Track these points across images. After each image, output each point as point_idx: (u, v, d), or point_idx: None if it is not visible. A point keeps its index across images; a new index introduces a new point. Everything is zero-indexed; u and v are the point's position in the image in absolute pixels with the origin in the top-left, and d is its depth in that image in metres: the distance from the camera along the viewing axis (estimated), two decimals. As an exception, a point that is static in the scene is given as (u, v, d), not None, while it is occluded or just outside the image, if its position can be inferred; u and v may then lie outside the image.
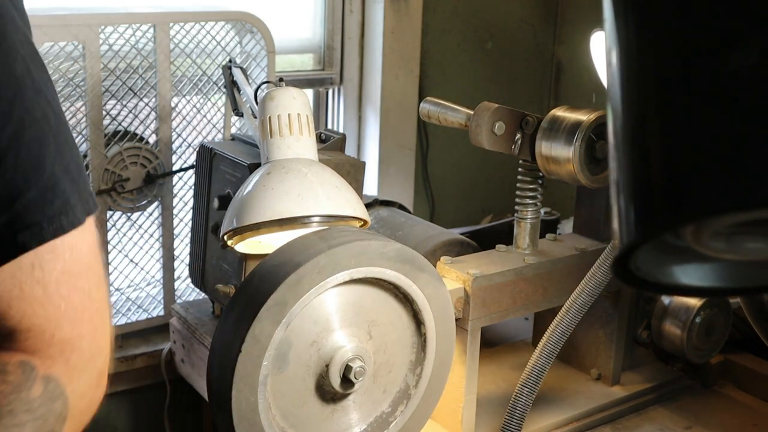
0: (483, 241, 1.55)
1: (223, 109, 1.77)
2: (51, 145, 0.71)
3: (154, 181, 1.69)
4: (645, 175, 0.42)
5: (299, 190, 1.16)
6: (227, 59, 1.71)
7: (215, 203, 1.43)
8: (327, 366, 1.08)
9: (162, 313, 1.78)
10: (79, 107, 1.60)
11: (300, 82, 2.12)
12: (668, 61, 0.41)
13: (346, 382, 1.09)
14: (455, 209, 2.42)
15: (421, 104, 1.51)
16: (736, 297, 1.47)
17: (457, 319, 1.28)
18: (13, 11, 0.71)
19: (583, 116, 1.29)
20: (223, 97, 1.75)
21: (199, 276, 1.55)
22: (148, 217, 1.74)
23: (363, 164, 1.44)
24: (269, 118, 1.24)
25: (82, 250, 0.73)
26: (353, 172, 1.42)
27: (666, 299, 1.52)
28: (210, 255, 1.51)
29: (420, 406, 1.19)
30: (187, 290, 1.81)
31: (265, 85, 1.45)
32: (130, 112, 1.65)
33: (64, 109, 1.57)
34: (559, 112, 1.33)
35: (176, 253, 1.77)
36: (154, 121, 1.69)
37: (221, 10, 1.72)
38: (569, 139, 1.28)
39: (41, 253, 0.70)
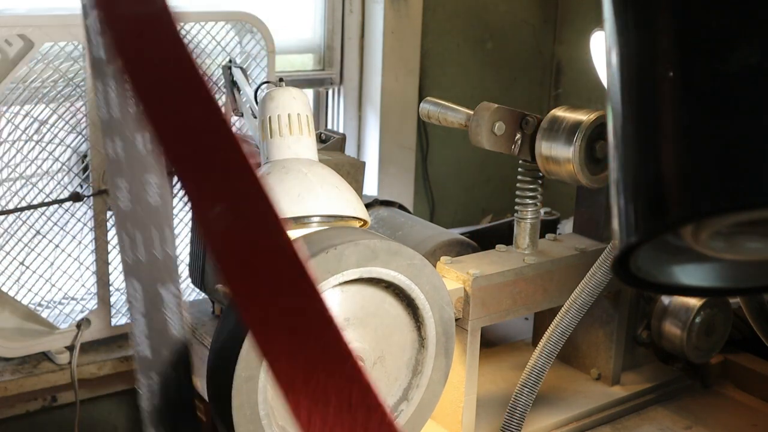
0: (483, 241, 1.55)
1: (223, 109, 1.77)
2: None
3: (154, 181, 1.69)
4: (645, 175, 0.42)
5: (299, 190, 1.16)
6: (227, 59, 1.71)
7: (215, 203, 1.43)
8: (327, 366, 1.08)
9: (162, 313, 1.78)
10: (79, 107, 1.59)
11: (300, 82, 2.12)
12: (668, 61, 0.41)
13: (346, 382, 1.09)
14: (455, 209, 2.42)
15: (421, 104, 1.51)
16: (735, 297, 1.47)
17: (457, 319, 1.28)
18: None
19: (583, 116, 1.29)
20: (223, 97, 1.74)
21: (199, 276, 1.55)
22: (148, 217, 1.73)
23: (363, 164, 1.44)
24: (269, 118, 1.24)
25: None
26: (353, 172, 1.42)
27: (666, 299, 1.52)
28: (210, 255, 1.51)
29: (420, 406, 1.19)
30: (187, 290, 1.81)
31: (265, 85, 1.45)
32: (130, 112, 1.65)
33: (64, 109, 1.57)
34: (559, 112, 1.33)
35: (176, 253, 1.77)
36: (154, 121, 1.68)
37: (221, 10, 1.72)
38: (569, 139, 1.28)
39: None
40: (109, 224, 1.68)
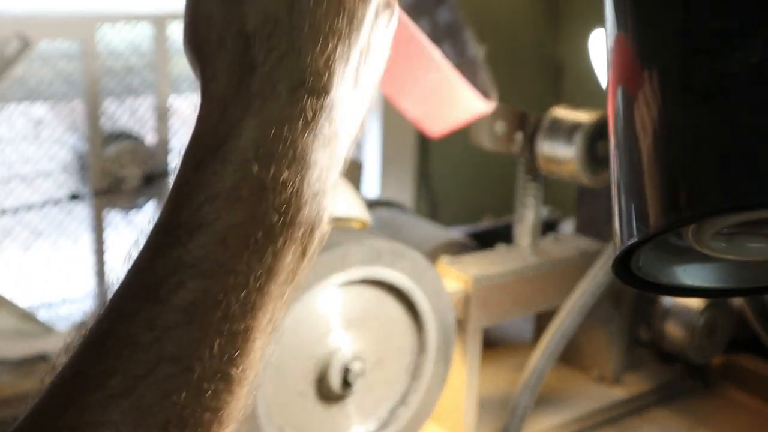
0: (483, 241, 1.55)
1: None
2: None
3: (152, 181, 1.69)
4: (645, 175, 0.42)
5: (298, 190, 1.16)
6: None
7: (214, 203, 1.43)
8: (327, 367, 1.08)
9: (161, 313, 1.77)
10: (77, 106, 1.59)
11: (300, 81, 2.12)
12: (668, 60, 0.41)
13: (346, 383, 1.09)
14: (455, 209, 2.41)
15: (421, 104, 1.50)
16: (737, 298, 1.47)
17: (458, 320, 1.27)
18: None
19: (584, 116, 1.29)
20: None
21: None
22: (146, 217, 1.73)
23: (360, 165, 1.44)
24: (268, 117, 1.24)
25: None
26: (350, 173, 1.42)
27: (668, 300, 1.52)
28: (209, 255, 1.51)
29: (420, 406, 1.18)
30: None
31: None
32: (128, 110, 1.65)
33: (61, 107, 1.57)
34: (560, 112, 1.32)
35: (175, 253, 1.77)
36: (152, 121, 1.68)
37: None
38: (570, 138, 1.28)
39: None
40: (106, 223, 1.67)
